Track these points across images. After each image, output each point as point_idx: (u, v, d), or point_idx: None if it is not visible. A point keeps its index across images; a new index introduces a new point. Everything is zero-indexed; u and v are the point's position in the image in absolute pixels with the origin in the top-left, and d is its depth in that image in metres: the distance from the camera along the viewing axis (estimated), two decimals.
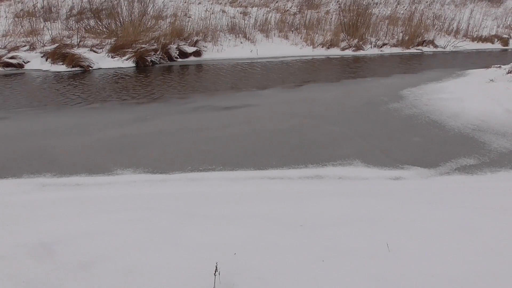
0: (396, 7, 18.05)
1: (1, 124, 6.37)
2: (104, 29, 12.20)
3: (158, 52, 11.19)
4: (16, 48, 10.45)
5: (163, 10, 13.83)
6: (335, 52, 13.88)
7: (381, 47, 14.73)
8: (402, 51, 14.82)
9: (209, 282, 2.23)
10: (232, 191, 4.30)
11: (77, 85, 8.71)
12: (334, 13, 16.19)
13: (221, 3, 15.99)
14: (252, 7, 15.97)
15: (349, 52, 13.97)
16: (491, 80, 8.90)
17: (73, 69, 10.02)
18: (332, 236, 2.84)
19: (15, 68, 9.90)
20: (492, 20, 18.82)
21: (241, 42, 13.39)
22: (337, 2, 17.31)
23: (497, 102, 7.51)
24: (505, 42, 17.20)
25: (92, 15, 12.60)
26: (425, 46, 15.51)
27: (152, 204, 3.73)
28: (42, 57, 10.33)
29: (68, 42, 10.98)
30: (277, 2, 16.84)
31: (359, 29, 14.74)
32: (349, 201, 3.68)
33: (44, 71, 9.83)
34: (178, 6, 14.40)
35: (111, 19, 12.37)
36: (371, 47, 14.56)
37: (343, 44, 14.26)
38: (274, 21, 14.64)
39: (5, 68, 9.81)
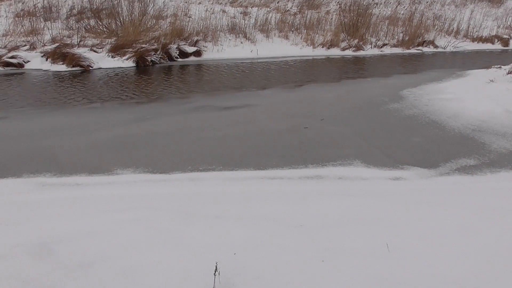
0: (396, 8, 18.05)
1: (1, 124, 6.37)
2: (104, 29, 12.20)
3: (158, 52, 11.19)
4: (16, 48, 10.45)
5: (163, 10, 13.83)
6: (335, 52, 13.88)
7: (381, 47, 14.73)
8: (402, 51, 14.82)
9: (209, 282, 2.23)
10: (232, 191, 4.30)
11: (77, 85, 8.71)
12: (335, 13, 16.19)
13: (221, 3, 16.00)
14: (252, 7, 15.97)
15: (349, 52, 13.97)
16: (491, 81, 8.89)
17: (73, 68, 10.02)
18: (332, 236, 2.84)
19: (15, 68, 9.90)
20: (492, 20, 18.82)
21: (241, 42, 13.39)
22: (337, 2, 17.31)
23: (497, 103, 7.51)
24: (505, 42, 17.20)
25: (93, 15, 12.61)
26: (425, 46, 15.51)
27: (152, 204, 3.73)
28: (42, 56, 10.33)
29: (68, 42, 10.99)
30: (277, 2, 16.84)
31: (359, 29, 14.74)
32: (349, 201, 3.67)
33: (44, 70, 9.84)
34: (178, 6, 14.41)
35: (111, 19, 12.37)
36: (371, 47, 14.56)
37: (343, 44, 14.27)
38: (274, 21, 14.65)
39: (5, 67, 9.81)
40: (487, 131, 6.46)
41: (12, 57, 10.03)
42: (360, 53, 14.07)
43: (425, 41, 15.64)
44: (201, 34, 12.83)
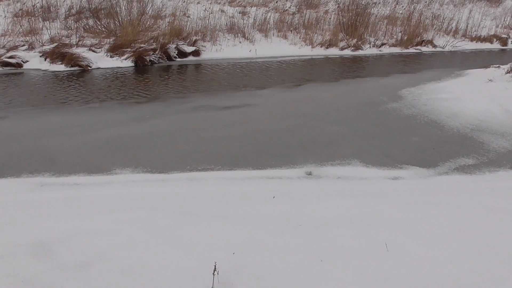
0: (395, 7, 18.05)
1: (0, 124, 6.38)
2: (103, 29, 12.19)
3: (157, 52, 11.18)
4: (15, 48, 10.43)
5: (162, 10, 13.82)
6: (334, 52, 13.88)
7: (380, 47, 14.73)
8: (401, 51, 14.83)
9: (207, 281, 2.23)
10: (231, 191, 4.30)
11: (76, 85, 8.70)
12: (333, 13, 16.20)
13: (220, 3, 15.99)
14: (251, 6, 15.96)
15: (348, 52, 13.97)
16: (490, 80, 8.90)
17: (72, 68, 10.01)
18: (330, 236, 2.84)
19: (13, 68, 9.88)
20: (491, 20, 18.84)
21: (240, 42, 13.39)
22: (336, 2, 17.31)
23: (496, 102, 7.52)
24: (504, 42, 17.22)
25: (91, 14, 12.59)
26: (424, 46, 15.52)
27: (150, 203, 3.73)
28: (41, 56, 10.31)
29: (67, 42, 10.97)
30: (276, 2, 16.83)
31: (358, 29, 14.75)
32: (347, 201, 3.68)
33: (43, 70, 9.82)
34: (177, 6, 14.39)
35: (110, 18, 12.36)
36: (370, 47, 14.57)
37: (342, 44, 14.27)
38: (273, 21, 14.64)
39: (4, 67, 9.80)
40: (485, 131, 6.47)
41: (10, 57, 10.02)
42: (359, 52, 14.08)
43: (423, 40, 15.65)
44: (199, 33, 12.82)
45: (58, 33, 11.45)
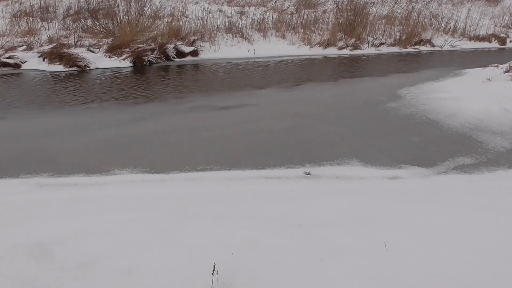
0: (393, 6, 18.06)
1: None
2: (101, 29, 12.17)
3: (155, 52, 11.16)
4: (13, 48, 10.42)
5: (160, 10, 13.81)
6: (332, 51, 13.88)
7: (378, 46, 14.73)
8: (399, 51, 14.82)
9: (207, 281, 2.23)
10: (230, 191, 4.30)
11: (75, 85, 8.69)
12: (331, 12, 16.20)
13: (218, 3, 15.99)
14: (249, 6, 15.96)
15: (346, 52, 13.97)
16: (489, 79, 8.91)
17: (71, 69, 9.99)
18: (329, 236, 2.84)
19: (12, 68, 9.87)
20: (489, 19, 18.85)
21: (238, 42, 13.39)
22: (334, 1, 17.31)
23: (495, 101, 7.53)
24: (502, 41, 17.21)
25: (89, 15, 12.58)
26: (423, 45, 15.52)
27: (149, 204, 3.73)
28: (39, 57, 10.29)
29: (65, 42, 10.96)
30: (274, 2, 16.83)
31: (356, 29, 14.74)
32: (346, 201, 3.68)
33: (42, 71, 9.81)
34: (175, 6, 14.39)
35: (108, 19, 12.34)
36: (368, 46, 14.56)
37: (340, 43, 14.26)
38: (272, 21, 14.64)
39: (2, 68, 9.78)
40: (484, 130, 6.48)
41: (9, 58, 10.00)
42: (357, 52, 14.07)
43: (422, 40, 15.65)
44: (198, 33, 12.81)
45: (56, 34, 11.44)
